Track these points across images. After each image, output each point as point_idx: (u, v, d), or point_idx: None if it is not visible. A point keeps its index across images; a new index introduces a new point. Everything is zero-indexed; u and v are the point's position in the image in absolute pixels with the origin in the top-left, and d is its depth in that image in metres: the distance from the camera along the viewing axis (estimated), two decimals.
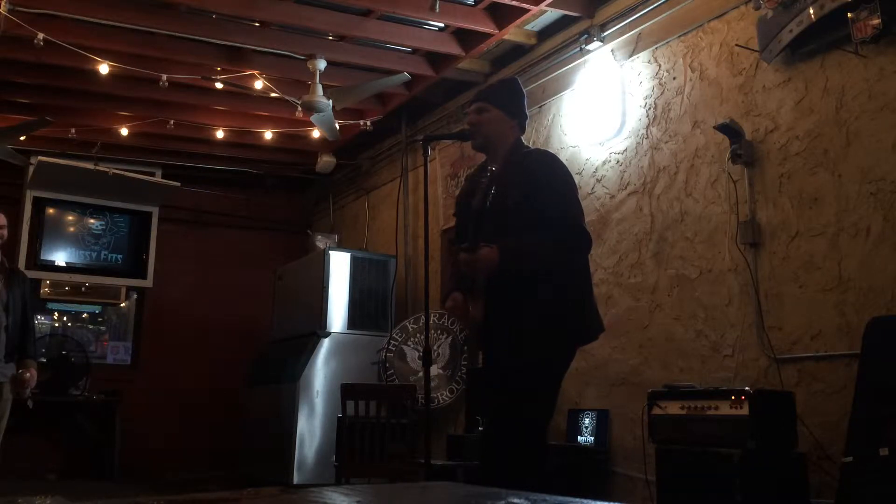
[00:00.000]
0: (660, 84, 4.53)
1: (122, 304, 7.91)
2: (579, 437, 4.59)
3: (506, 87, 3.10)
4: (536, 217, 2.73)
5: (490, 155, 3.01)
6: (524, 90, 3.13)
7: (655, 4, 4.56)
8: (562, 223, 2.76)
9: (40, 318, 7.34)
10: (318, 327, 6.29)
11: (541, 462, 2.73)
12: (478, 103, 3.00)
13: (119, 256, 7.63)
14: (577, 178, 4.78)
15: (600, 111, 4.87)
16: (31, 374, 4.17)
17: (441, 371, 5.80)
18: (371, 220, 7.52)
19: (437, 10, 4.57)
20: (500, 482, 2.20)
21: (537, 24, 5.34)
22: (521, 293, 2.72)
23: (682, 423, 3.42)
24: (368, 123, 6.40)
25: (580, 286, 2.85)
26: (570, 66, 5.19)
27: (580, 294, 2.83)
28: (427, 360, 3.19)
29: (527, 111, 3.08)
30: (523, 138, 3.06)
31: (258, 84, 5.58)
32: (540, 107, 5.39)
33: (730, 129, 3.93)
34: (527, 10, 4.81)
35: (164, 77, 5.27)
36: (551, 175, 2.84)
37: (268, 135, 6.69)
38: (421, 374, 5.07)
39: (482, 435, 2.86)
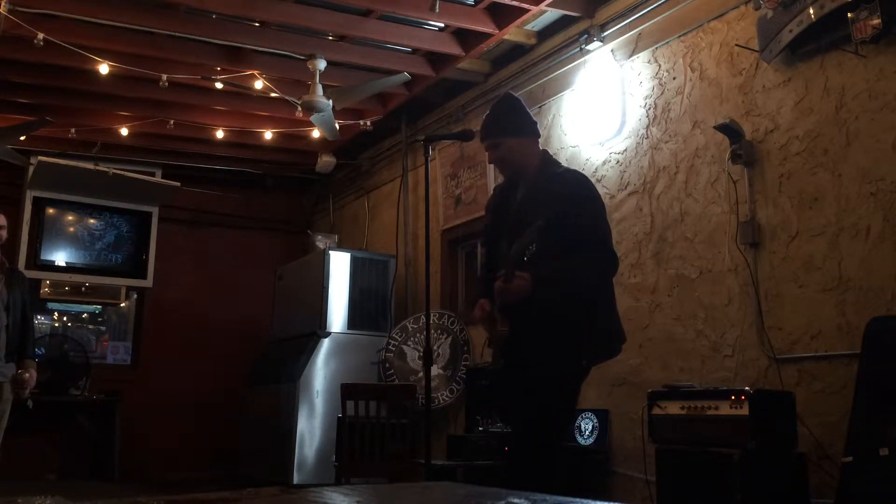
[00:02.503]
0: (660, 84, 4.53)
1: (122, 304, 7.91)
2: (579, 437, 4.59)
3: (501, 112, 2.99)
4: (566, 239, 2.73)
5: (521, 176, 2.97)
6: (521, 91, 3.10)
7: (655, 4, 4.56)
8: (593, 246, 2.78)
9: (40, 318, 7.34)
10: (318, 327, 6.29)
11: (555, 465, 2.76)
12: (487, 141, 2.95)
13: (119, 256, 7.62)
14: None
15: (600, 111, 4.87)
16: (31, 375, 4.18)
17: (441, 371, 5.80)
18: (371, 220, 7.53)
19: (437, 10, 4.57)
20: (523, 485, 2.24)
21: (537, 24, 5.34)
22: (550, 312, 2.73)
23: (682, 423, 3.42)
24: (368, 123, 6.40)
25: (606, 304, 2.87)
26: (570, 66, 5.18)
27: (606, 312, 2.86)
28: (427, 360, 3.20)
29: (532, 117, 3.06)
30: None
31: (258, 84, 5.58)
32: (540, 107, 5.39)
33: (730, 129, 3.93)
34: (527, 10, 4.81)
35: (164, 77, 5.27)
36: (581, 197, 2.84)
37: (268, 135, 6.69)
38: (421, 374, 5.08)
39: (509, 443, 2.90)
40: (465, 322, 5.83)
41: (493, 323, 2.86)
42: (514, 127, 2.94)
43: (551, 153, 5.01)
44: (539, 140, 3.04)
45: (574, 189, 2.86)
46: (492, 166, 3.65)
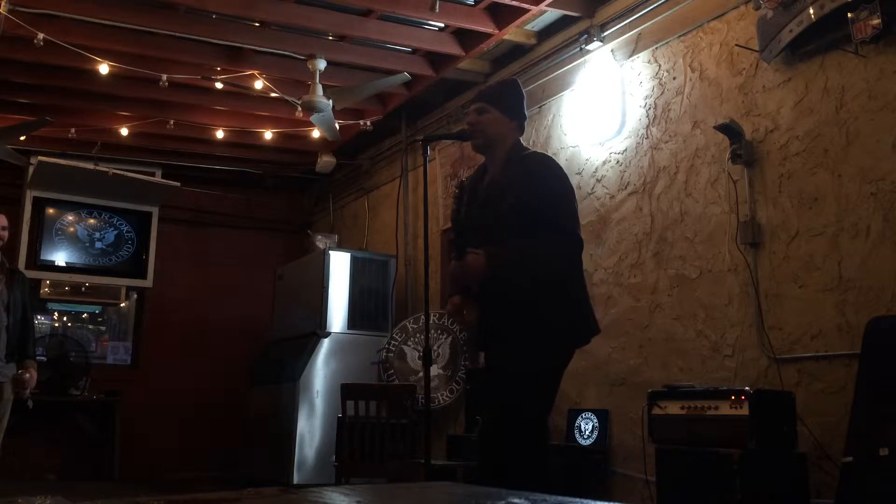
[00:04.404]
0: (660, 84, 4.53)
1: (122, 304, 7.91)
2: (579, 437, 4.59)
3: (506, 88, 3.09)
4: (531, 220, 2.73)
5: (489, 156, 3.00)
6: (524, 91, 3.12)
7: (655, 4, 4.56)
8: (553, 228, 2.75)
9: (40, 318, 7.33)
10: (318, 327, 6.29)
11: (540, 462, 2.73)
12: (478, 104, 2.98)
13: (119, 256, 7.63)
14: (576, 179, 4.81)
15: (600, 111, 4.87)
16: (31, 375, 4.18)
17: (441, 371, 5.80)
18: (371, 220, 7.53)
19: (437, 10, 4.57)
20: (499, 483, 2.21)
21: (537, 24, 5.34)
22: (515, 297, 2.72)
23: (682, 423, 3.42)
24: (368, 123, 6.40)
25: (574, 289, 2.84)
26: (570, 66, 5.19)
27: (574, 296, 2.83)
28: (427, 360, 3.19)
29: (526, 112, 3.08)
30: (522, 139, 3.05)
31: (258, 84, 5.58)
32: (540, 107, 5.39)
33: (730, 129, 3.93)
34: (527, 10, 4.81)
35: (164, 77, 5.27)
36: (547, 178, 2.83)
37: (268, 135, 6.69)
38: (421, 374, 5.08)
39: (479, 438, 2.87)
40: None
41: (465, 316, 2.87)
42: (508, 105, 2.97)
43: (551, 153, 5.05)
44: (521, 136, 3.03)
45: (540, 171, 2.85)
46: None
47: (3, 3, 4.50)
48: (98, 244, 7.55)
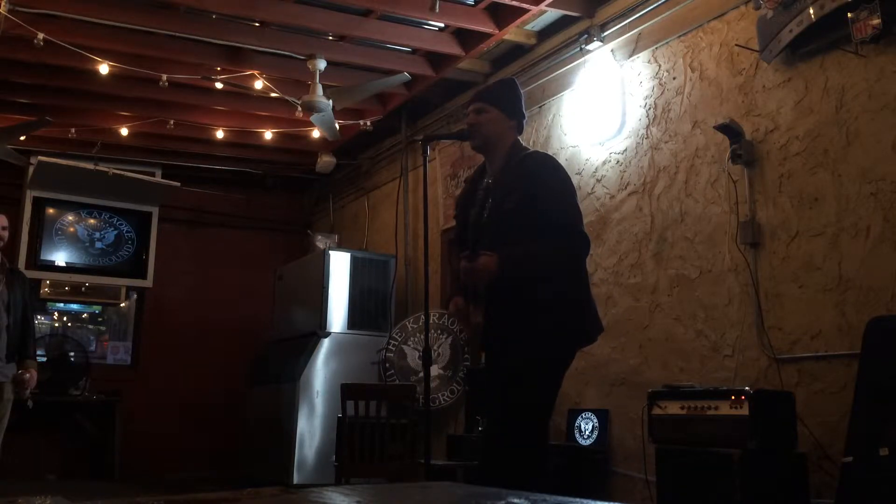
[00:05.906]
0: (660, 84, 4.53)
1: (122, 304, 7.91)
2: (579, 437, 4.59)
3: (504, 87, 3.09)
4: (535, 220, 2.73)
5: (489, 156, 3.00)
6: (522, 90, 3.12)
7: (655, 4, 4.56)
8: (560, 227, 2.75)
9: (40, 318, 7.33)
10: (318, 327, 6.29)
11: (542, 462, 2.73)
12: (476, 104, 2.99)
13: (119, 256, 7.62)
14: (577, 179, 4.81)
15: (600, 111, 4.87)
16: (32, 375, 4.18)
17: (441, 371, 5.79)
18: (371, 220, 7.52)
19: (437, 10, 4.57)
20: (500, 483, 2.21)
21: (537, 24, 5.34)
22: (521, 297, 2.72)
23: (682, 423, 3.42)
24: (368, 123, 6.40)
25: (579, 288, 2.84)
26: (570, 66, 5.19)
27: (579, 296, 2.83)
28: (427, 359, 3.20)
29: (525, 111, 3.08)
30: (522, 139, 3.05)
31: (258, 84, 5.58)
32: (540, 107, 5.39)
33: (730, 129, 3.93)
34: (527, 10, 4.81)
35: (164, 77, 5.27)
36: (549, 178, 2.83)
37: (268, 135, 6.69)
38: (421, 373, 5.08)
39: (482, 437, 2.87)
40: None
41: (468, 317, 2.86)
42: (507, 104, 2.97)
43: (551, 153, 5.05)
44: (520, 135, 3.03)
45: (542, 171, 2.84)
46: None
47: (3, 3, 4.49)
48: (98, 244, 7.55)
